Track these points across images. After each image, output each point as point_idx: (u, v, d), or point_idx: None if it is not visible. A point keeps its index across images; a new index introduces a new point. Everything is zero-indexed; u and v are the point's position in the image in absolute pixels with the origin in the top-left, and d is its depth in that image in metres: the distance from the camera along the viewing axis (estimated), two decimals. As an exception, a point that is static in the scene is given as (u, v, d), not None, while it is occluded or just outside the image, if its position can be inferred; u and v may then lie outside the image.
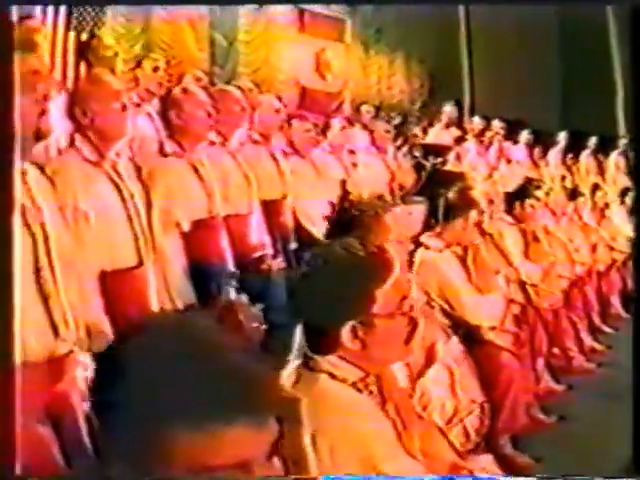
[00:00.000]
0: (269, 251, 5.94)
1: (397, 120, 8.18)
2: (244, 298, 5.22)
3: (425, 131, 8.77)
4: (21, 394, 3.71)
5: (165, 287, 5.00)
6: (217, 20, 9.27)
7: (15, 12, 3.52)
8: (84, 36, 5.22)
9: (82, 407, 3.97)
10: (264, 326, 4.76)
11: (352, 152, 7.13)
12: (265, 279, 5.78)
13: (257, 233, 5.89)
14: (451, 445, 5.58)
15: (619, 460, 5.62)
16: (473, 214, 6.59)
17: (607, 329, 8.19)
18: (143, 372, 4.25)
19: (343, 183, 6.55)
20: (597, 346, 7.92)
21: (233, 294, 5.25)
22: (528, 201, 7.85)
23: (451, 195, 6.67)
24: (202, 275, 5.23)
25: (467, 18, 10.68)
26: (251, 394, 4.32)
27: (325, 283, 5.27)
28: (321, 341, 3.99)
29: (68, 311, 3.80)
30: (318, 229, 6.46)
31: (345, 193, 6.37)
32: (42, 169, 3.86)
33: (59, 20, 7.46)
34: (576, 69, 9.74)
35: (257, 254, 5.86)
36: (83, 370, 3.96)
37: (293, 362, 4.49)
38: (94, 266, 4.27)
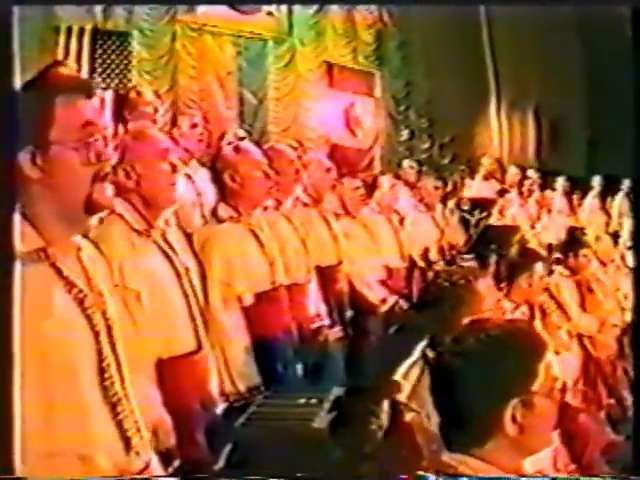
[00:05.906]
0: (326, 321, 5.08)
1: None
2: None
3: (454, 184, 8.09)
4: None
5: (226, 368, 4.15)
6: (246, 77, 8.51)
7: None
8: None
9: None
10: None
11: (399, 210, 6.43)
12: (323, 350, 4.94)
13: (314, 302, 4.97)
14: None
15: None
16: (539, 268, 5.71)
17: (654, 374, 7.57)
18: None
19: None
20: (649, 392, 7.31)
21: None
22: (580, 250, 7.09)
23: (512, 251, 5.83)
24: (266, 353, 4.40)
25: (495, 71, 9.88)
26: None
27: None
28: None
29: (139, 416, 2.78)
30: (375, 294, 5.88)
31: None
32: (96, 244, 2.86)
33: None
34: (604, 105, 8.98)
35: (315, 325, 4.93)
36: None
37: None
38: (150, 354, 3.37)
